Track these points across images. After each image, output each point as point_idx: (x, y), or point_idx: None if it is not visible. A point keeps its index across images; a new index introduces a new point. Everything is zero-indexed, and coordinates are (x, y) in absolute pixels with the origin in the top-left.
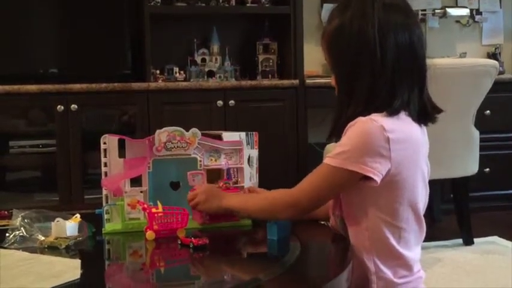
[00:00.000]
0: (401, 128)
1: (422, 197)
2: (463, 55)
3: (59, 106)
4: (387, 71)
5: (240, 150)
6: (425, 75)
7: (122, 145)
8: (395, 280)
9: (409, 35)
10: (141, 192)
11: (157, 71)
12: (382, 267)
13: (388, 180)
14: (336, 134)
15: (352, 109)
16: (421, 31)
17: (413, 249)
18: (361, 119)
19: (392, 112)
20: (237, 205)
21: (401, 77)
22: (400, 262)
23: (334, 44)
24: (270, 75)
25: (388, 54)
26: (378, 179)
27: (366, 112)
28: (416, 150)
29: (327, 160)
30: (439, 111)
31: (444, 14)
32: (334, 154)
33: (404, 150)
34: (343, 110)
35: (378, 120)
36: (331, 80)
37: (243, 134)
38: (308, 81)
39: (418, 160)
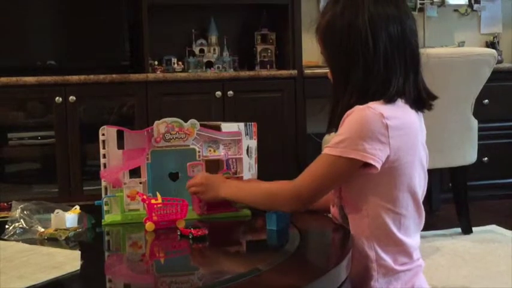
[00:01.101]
0: (399, 115)
1: (421, 184)
2: (461, 44)
3: (57, 98)
4: (379, 61)
5: (239, 141)
6: (418, 63)
7: (120, 136)
8: (396, 267)
9: (400, 26)
10: (140, 183)
11: (156, 62)
12: (382, 254)
13: (387, 166)
14: (334, 125)
15: (347, 98)
16: (413, 21)
17: (412, 236)
18: (358, 107)
19: (389, 99)
20: (235, 196)
21: (395, 65)
22: (400, 249)
23: (327, 37)
24: (268, 66)
25: (380, 45)
26: (378, 165)
27: (361, 101)
28: (414, 137)
29: (326, 150)
30: (434, 97)
31: (442, 3)
32: (333, 143)
33: (403, 137)
34: (339, 100)
35: (376, 107)
36: (328, 73)
37: (241, 125)
38: (306, 71)
39: (417, 146)
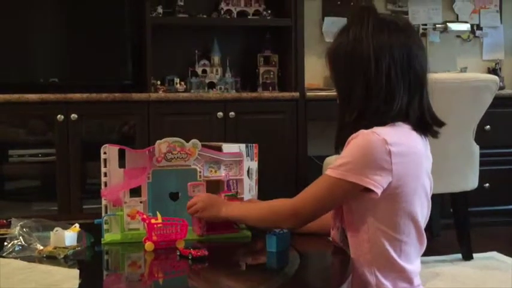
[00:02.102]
0: (404, 141)
1: (423, 211)
2: (463, 70)
3: (59, 115)
4: (381, 80)
5: (240, 162)
6: (423, 87)
7: (122, 155)
8: None
9: (406, 52)
10: (141, 202)
11: (158, 82)
12: (382, 280)
13: (389, 192)
14: (339, 145)
15: (348, 116)
16: (420, 47)
17: (413, 261)
18: (363, 131)
19: (393, 119)
20: (237, 214)
21: (398, 85)
22: (401, 275)
23: (333, 61)
24: (270, 88)
25: (383, 65)
26: (378, 191)
27: (362, 119)
28: (418, 164)
29: (328, 171)
30: (441, 124)
31: (445, 29)
32: (335, 166)
33: (406, 164)
34: (342, 119)
35: (380, 133)
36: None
37: (243, 146)
38: (309, 93)
39: (420, 173)
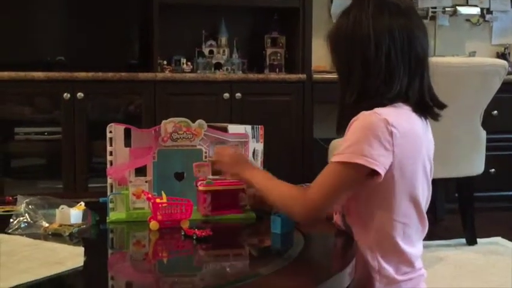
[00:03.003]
0: (404, 123)
1: (424, 193)
2: (472, 54)
3: (65, 94)
4: (381, 61)
5: (246, 143)
6: (424, 69)
7: (127, 135)
8: (398, 277)
9: (407, 33)
10: (146, 182)
11: (165, 62)
12: (384, 264)
13: (390, 175)
14: (341, 127)
15: (348, 98)
16: (421, 30)
17: (415, 244)
18: (364, 113)
19: (392, 100)
20: (259, 183)
21: (398, 66)
22: (403, 258)
23: (334, 44)
24: (277, 69)
25: (382, 47)
26: (382, 172)
27: (362, 100)
28: (418, 146)
29: (333, 158)
30: (442, 106)
31: (454, 13)
32: (339, 151)
33: (407, 145)
34: (343, 101)
35: (382, 113)
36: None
37: (248, 127)
38: (315, 76)
39: (420, 155)
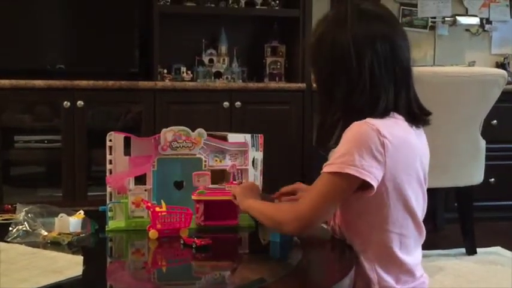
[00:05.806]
0: (396, 133)
1: (419, 202)
2: (471, 64)
3: (65, 102)
4: (365, 78)
5: (245, 152)
6: (409, 78)
7: (127, 143)
8: (398, 287)
9: (389, 43)
10: (145, 190)
11: (165, 70)
12: (384, 275)
13: (383, 186)
14: (321, 140)
15: (332, 114)
16: (403, 38)
17: (413, 253)
18: (356, 123)
19: (382, 114)
20: (254, 210)
21: (383, 83)
22: (402, 269)
23: (313, 55)
24: (277, 78)
25: (365, 62)
26: (374, 183)
27: (346, 118)
28: (411, 155)
29: (325, 168)
30: (428, 113)
31: (454, 22)
32: (331, 161)
33: (399, 155)
34: (325, 116)
35: (374, 123)
36: None
37: (248, 136)
38: (315, 85)
39: (413, 165)
